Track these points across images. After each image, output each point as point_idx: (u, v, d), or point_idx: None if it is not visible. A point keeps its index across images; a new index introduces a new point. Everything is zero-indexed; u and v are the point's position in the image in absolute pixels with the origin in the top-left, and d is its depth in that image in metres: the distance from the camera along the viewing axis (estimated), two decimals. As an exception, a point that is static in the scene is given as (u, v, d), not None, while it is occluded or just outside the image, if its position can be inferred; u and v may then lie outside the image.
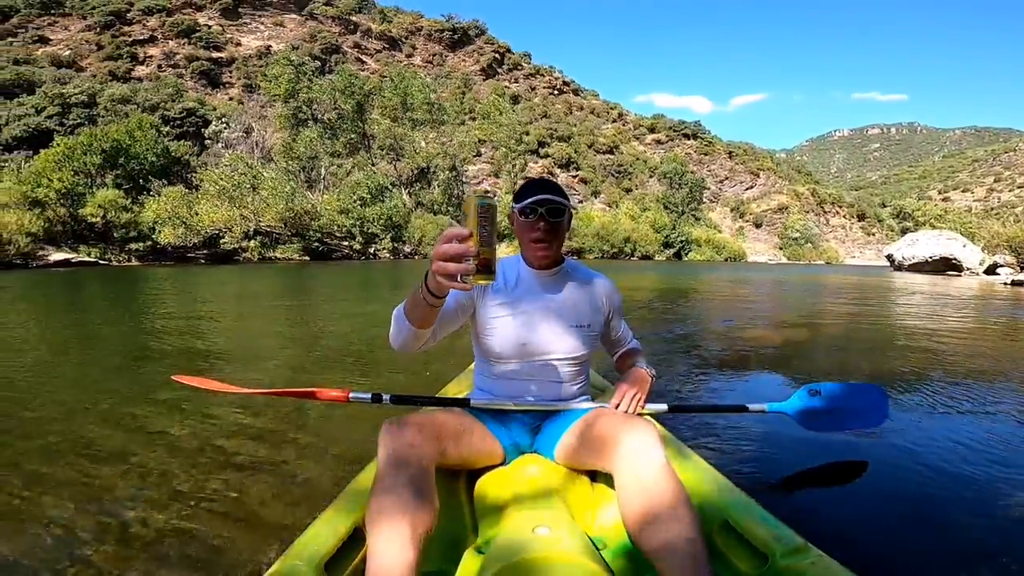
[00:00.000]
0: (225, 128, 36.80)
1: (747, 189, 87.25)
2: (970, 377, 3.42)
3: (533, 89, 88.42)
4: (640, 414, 1.28)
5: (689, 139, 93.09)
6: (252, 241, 27.08)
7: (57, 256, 21.96)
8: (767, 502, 1.11)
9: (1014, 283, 14.99)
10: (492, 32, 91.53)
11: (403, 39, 79.47)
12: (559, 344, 1.29)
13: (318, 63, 47.53)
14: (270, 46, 60.93)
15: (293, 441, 2.10)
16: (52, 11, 51.88)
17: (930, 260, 24.78)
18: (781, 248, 70.36)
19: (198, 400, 2.48)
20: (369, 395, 1.34)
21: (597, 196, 67.23)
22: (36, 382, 3.16)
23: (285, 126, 37.34)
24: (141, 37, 53.33)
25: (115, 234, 24.18)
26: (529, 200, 1.20)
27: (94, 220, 23.59)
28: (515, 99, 77.10)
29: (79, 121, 33.28)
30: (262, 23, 64.91)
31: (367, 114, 41.99)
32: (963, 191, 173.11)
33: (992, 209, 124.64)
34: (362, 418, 2.31)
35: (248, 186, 28.98)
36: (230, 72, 55.27)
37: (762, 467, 1.99)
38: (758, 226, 77.56)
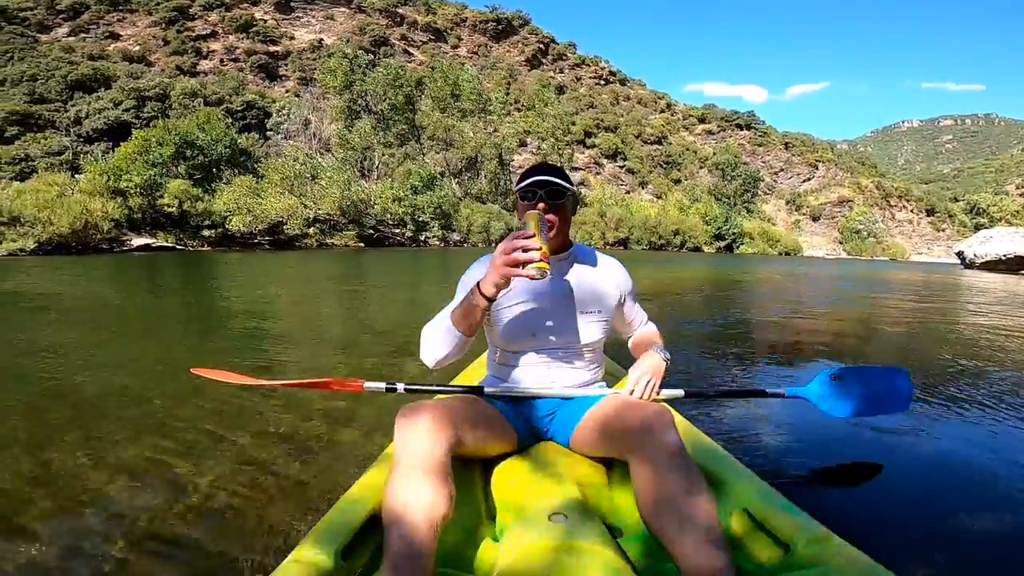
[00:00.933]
0: (285, 120, 38.78)
1: (804, 181, 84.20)
2: (1013, 375, 3.32)
3: (578, 79, 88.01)
4: (655, 400, 1.26)
5: (742, 129, 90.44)
6: (311, 228, 28.69)
7: (139, 241, 24.04)
8: (787, 491, 1.12)
9: None
10: (536, 22, 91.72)
11: (448, 30, 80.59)
12: (570, 330, 1.29)
13: (370, 56, 49.07)
14: (322, 39, 63.25)
15: (312, 430, 2.14)
16: (120, 7, 55.53)
17: (1004, 258, 23.71)
18: (841, 242, 67.82)
19: (221, 387, 2.49)
20: (383, 385, 1.35)
21: (645, 187, 66.63)
22: (110, 353, 3.55)
23: (340, 117, 38.99)
24: (203, 32, 56.48)
25: (190, 222, 26.19)
26: (528, 182, 1.23)
27: (170, 209, 25.62)
28: (560, 89, 77.09)
29: (153, 114, 35.84)
30: (313, 17, 67.34)
31: (416, 105, 43.34)
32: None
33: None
34: (379, 406, 2.35)
35: (308, 176, 30.65)
36: (286, 65, 57.81)
37: (781, 454, 1.97)
38: (815, 219, 74.89)
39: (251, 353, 3.60)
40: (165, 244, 24.72)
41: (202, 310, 6.08)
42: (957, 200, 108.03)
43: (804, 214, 74.87)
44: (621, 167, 67.81)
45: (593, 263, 1.37)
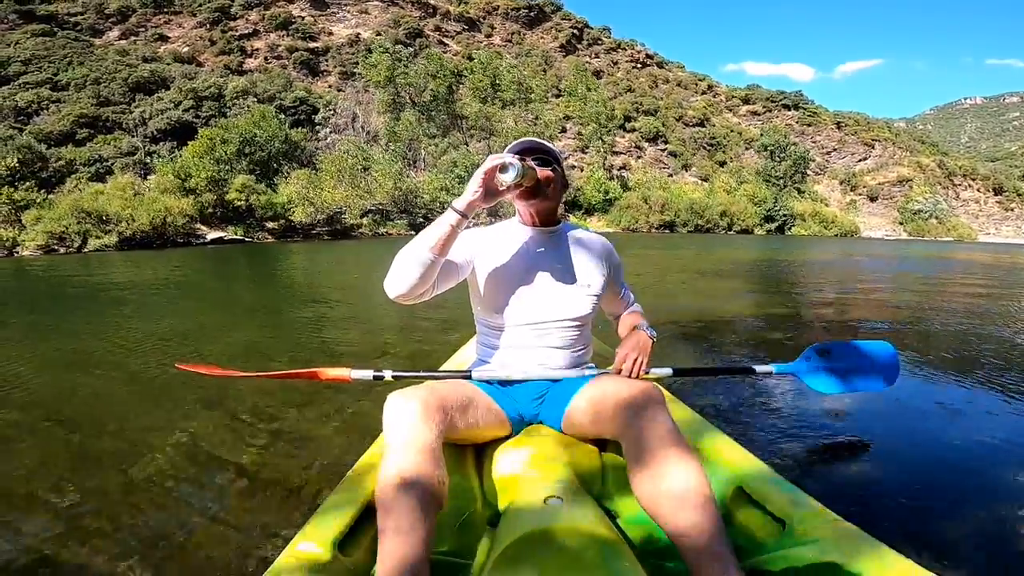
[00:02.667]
0: (332, 115, 40.89)
1: (860, 161, 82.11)
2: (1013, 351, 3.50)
3: (615, 64, 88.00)
4: (644, 379, 1.26)
5: (789, 110, 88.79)
6: (366, 218, 30.52)
7: (213, 235, 26.26)
8: (779, 466, 1.16)
9: None
10: (568, 7, 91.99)
11: (481, 19, 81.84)
12: (558, 303, 1.31)
13: (411, 49, 50.97)
14: (359, 34, 65.50)
15: (302, 421, 2.21)
16: (164, 9, 58.93)
17: None
18: (901, 223, 66.21)
19: (207, 385, 2.58)
20: (371, 373, 1.37)
21: (688, 170, 66.55)
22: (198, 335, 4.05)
23: (385, 110, 40.82)
24: (246, 31, 59.43)
25: (255, 214, 28.34)
26: (516, 144, 1.26)
27: (238, 203, 27.80)
28: (597, 74, 77.47)
29: (211, 113, 38.42)
30: (348, 12, 69.68)
31: (456, 95, 44.89)
32: None
33: None
34: (370, 394, 2.43)
35: (360, 168, 32.53)
36: (326, 61, 60.24)
37: (772, 431, 2.02)
38: (873, 200, 73.08)
39: (335, 331, 4.23)
40: (235, 237, 26.87)
41: (304, 295, 6.84)
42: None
43: (860, 194, 73.19)
44: (663, 150, 67.86)
45: (582, 240, 1.41)
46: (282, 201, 28.61)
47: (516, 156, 1.16)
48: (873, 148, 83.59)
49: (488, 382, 1.33)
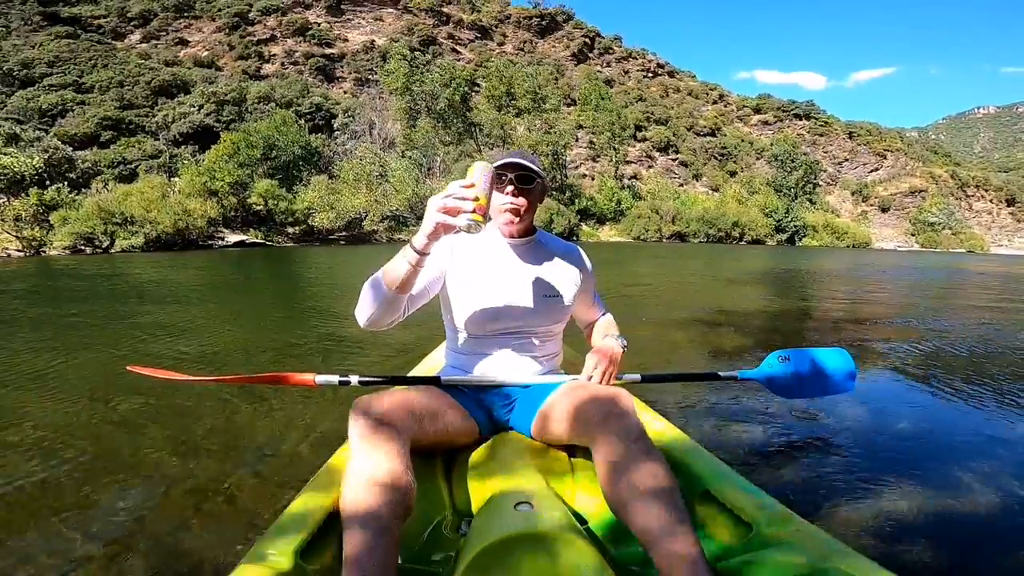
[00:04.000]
0: (351, 121, 41.75)
1: (872, 171, 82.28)
2: (966, 354, 3.78)
3: (626, 73, 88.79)
4: (614, 384, 1.28)
5: (801, 119, 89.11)
6: (382, 224, 31.20)
7: (234, 238, 26.96)
8: (744, 470, 1.20)
9: None
10: (580, 16, 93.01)
11: (493, 27, 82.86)
12: (531, 313, 1.32)
13: (427, 56, 51.85)
14: (373, 40, 66.61)
15: (263, 425, 2.15)
16: (185, 14, 60.21)
17: None
18: (913, 234, 66.34)
19: (159, 389, 2.51)
20: (336, 378, 1.32)
21: (699, 179, 67.00)
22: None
23: (402, 118, 41.61)
24: (263, 36, 60.61)
25: (276, 219, 29.05)
26: (500, 162, 1.26)
27: (259, 207, 28.51)
28: (608, 83, 78.20)
29: (232, 117, 39.31)
30: (363, 19, 70.85)
31: (470, 103, 45.70)
32: None
33: None
34: (336, 399, 2.40)
35: (377, 174, 33.27)
36: (342, 67, 61.32)
37: (737, 435, 2.08)
38: (884, 210, 73.22)
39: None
40: (256, 240, 27.56)
41: (297, 297, 7.07)
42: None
43: (872, 205, 73.36)
44: (674, 160, 68.39)
45: (556, 249, 1.42)
46: (301, 207, 29.31)
47: (471, 214, 1.03)
48: (885, 158, 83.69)
49: (458, 388, 1.32)
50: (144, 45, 55.51)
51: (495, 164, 1.23)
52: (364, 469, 0.93)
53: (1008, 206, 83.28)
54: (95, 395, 2.63)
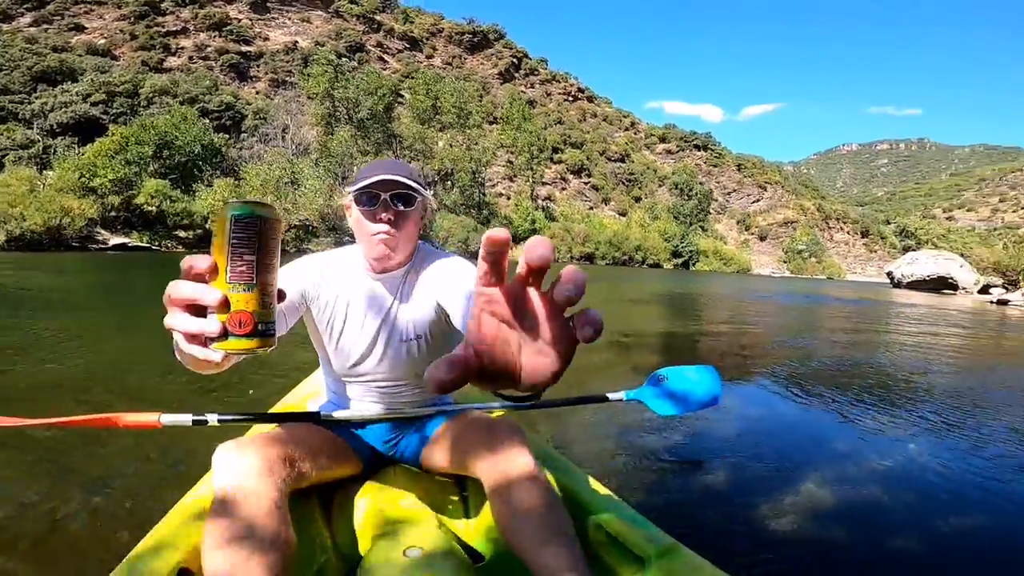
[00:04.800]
0: (262, 123, 38.50)
1: (754, 202, 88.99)
2: (847, 367, 4.25)
3: (548, 95, 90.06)
4: (503, 411, 1.20)
5: (699, 150, 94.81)
6: (290, 233, 28.78)
7: (115, 240, 23.63)
8: (633, 498, 1.18)
9: (999, 302, 16.61)
10: (511, 36, 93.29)
11: (424, 40, 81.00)
12: (393, 363, 1.10)
13: (353, 63, 49.25)
14: (297, 41, 62.55)
15: (95, 471, 1.80)
16: (86, -1, 53.41)
17: (928, 279, 26.44)
18: (785, 262, 72.22)
19: None
20: (189, 417, 1.07)
21: (608, 203, 68.93)
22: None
23: (319, 123, 39.02)
24: (174, 28, 54.95)
25: (169, 221, 25.85)
26: (366, 182, 0.96)
27: (149, 208, 25.23)
28: (531, 104, 78.84)
29: (122, 110, 34.91)
30: (289, 18, 66.45)
31: (393, 114, 43.86)
32: (968, 210, 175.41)
33: (995, 230, 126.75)
34: (188, 440, 1.97)
35: (287, 181, 30.71)
36: (258, 66, 56.88)
37: (624, 459, 2.10)
38: (763, 239, 79.38)
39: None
40: (140, 244, 24.35)
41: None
42: (889, 223, 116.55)
43: (753, 234, 79.25)
44: (586, 183, 69.90)
45: (434, 270, 1.07)
46: (200, 210, 26.32)
47: (219, 341, 0.47)
48: (765, 190, 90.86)
49: (337, 423, 1.13)
50: (33, 29, 48.42)
51: (358, 186, 0.97)
52: (233, 530, 0.76)
53: (863, 237, 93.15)
54: None
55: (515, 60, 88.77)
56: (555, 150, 69.57)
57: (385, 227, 0.97)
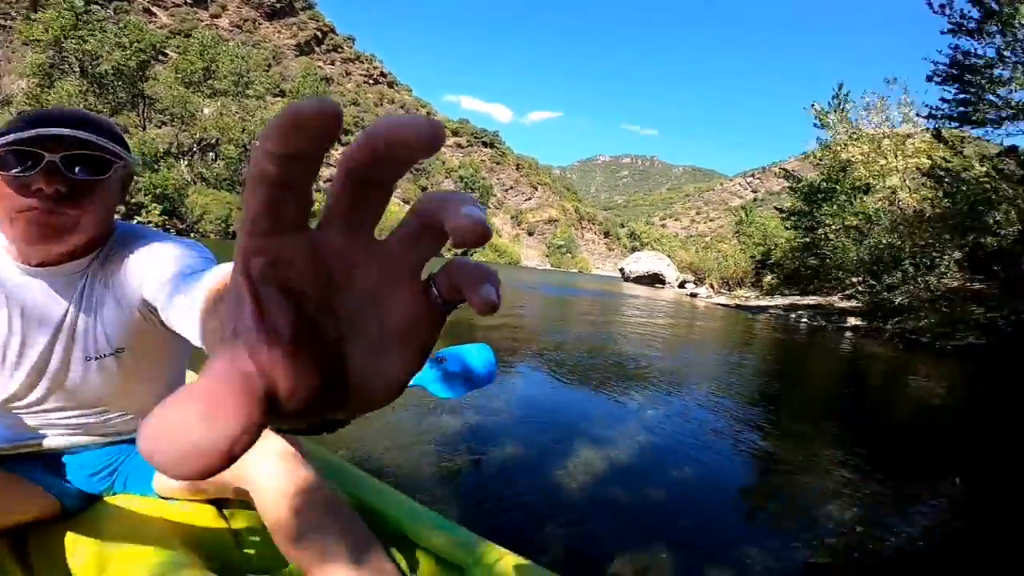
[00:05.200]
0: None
1: (526, 200, 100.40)
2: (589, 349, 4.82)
3: (348, 74, 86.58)
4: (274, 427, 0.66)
5: (487, 147, 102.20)
6: None
7: None
8: (432, 497, 1.18)
9: (691, 295, 21.84)
10: (321, 8, 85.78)
11: (209, -7, 69.66)
12: (93, 386, 0.75)
13: (108, 12, 40.22)
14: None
15: None
16: None
17: (646, 274, 33.55)
18: (548, 256, 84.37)
19: None
20: None
21: (393, 191, 70.66)
22: None
23: (36, 73, 32.01)
24: None
25: None
26: (27, 135, 0.59)
27: None
28: (327, 80, 74.83)
29: None
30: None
31: (149, 72, 38.22)
32: (675, 219, 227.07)
33: (691, 237, 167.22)
34: None
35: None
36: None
37: (416, 457, 1.96)
38: (531, 234, 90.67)
39: None
40: None
41: None
42: (623, 226, 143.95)
43: (523, 229, 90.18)
44: (378, 168, 70.32)
45: (139, 263, 0.70)
46: None
47: None
48: (537, 190, 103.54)
49: (15, 459, 0.78)
50: None
51: (10, 137, 0.59)
52: None
53: (605, 237, 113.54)
54: None
55: (319, 33, 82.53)
56: (345, 132, 68.15)
57: (39, 206, 0.61)
